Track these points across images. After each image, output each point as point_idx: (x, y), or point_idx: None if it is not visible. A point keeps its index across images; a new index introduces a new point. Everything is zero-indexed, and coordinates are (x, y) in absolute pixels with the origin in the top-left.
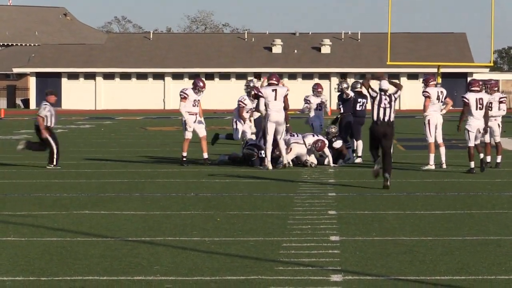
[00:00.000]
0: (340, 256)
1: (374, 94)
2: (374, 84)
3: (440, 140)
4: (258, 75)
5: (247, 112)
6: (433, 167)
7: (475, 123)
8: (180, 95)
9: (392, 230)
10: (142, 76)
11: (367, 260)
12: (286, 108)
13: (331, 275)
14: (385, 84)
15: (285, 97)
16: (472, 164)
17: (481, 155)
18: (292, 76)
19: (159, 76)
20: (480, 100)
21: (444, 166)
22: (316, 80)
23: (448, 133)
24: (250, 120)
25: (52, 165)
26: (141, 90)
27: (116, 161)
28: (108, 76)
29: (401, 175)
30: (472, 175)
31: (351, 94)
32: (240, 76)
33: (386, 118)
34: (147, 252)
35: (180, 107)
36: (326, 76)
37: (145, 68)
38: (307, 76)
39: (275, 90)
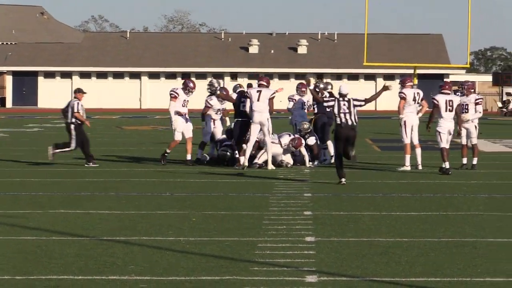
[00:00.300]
0: (315, 256)
1: (330, 101)
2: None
3: (416, 141)
4: (234, 75)
5: (216, 113)
6: (408, 168)
7: (445, 124)
8: (171, 94)
9: (368, 231)
10: (118, 75)
11: (342, 261)
12: (270, 111)
13: (306, 276)
14: (344, 89)
15: (270, 99)
16: (447, 165)
17: (464, 160)
18: (269, 76)
19: (135, 76)
20: (450, 102)
21: (420, 167)
22: (293, 81)
23: (424, 134)
24: (226, 120)
25: (91, 163)
26: (117, 89)
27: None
28: (85, 75)
29: (377, 176)
30: (447, 176)
31: (327, 94)
32: (216, 75)
33: (350, 122)
34: (122, 252)
35: (169, 107)
36: (302, 76)
37: (122, 67)
38: (283, 76)
39: (260, 91)
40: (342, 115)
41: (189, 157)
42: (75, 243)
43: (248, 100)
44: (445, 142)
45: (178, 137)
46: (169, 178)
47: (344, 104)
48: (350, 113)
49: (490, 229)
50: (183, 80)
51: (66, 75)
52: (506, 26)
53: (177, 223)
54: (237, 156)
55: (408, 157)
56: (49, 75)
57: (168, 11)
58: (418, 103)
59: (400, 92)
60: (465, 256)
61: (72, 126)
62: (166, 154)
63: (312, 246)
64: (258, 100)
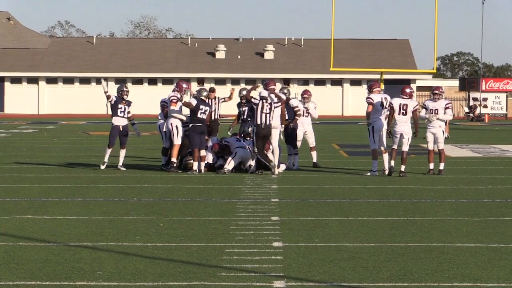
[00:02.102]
0: (283, 262)
1: (256, 102)
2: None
3: (383, 147)
4: (201, 80)
5: None
6: (376, 173)
7: (398, 128)
8: (172, 99)
9: (335, 236)
10: (85, 81)
11: (310, 266)
12: (282, 113)
13: (274, 281)
14: (264, 92)
15: (283, 104)
16: (387, 165)
17: (392, 162)
18: (235, 81)
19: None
20: (404, 106)
21: (387, 172)
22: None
23: (391, 140)
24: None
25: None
26: (84, 95)
27: (58, 166)
28: (51, 81)
29: (344, 182)
30: (414, 182)
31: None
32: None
33: (268, 122)
34: (90, 257)
35: (170, 112)
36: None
37: (88, 73)
38: (250, 82)
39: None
40: (263, 115)
41: (174, 160)
42: (42, 249)
43: (204, 107)
44: (395, 144)
45: (179, 141)
46: (136, 184)
47: (266, 106)
48: (270, 113)
49: (457, 234)
50: (176, 83)
51: (33, 80)
52: (473, 31)
53: (144, 229)
54: (191, 161)
55: (375, 162)
56: (16, 80)
57: (134, 17)
58: (385, 108)
59: (367, 98)
60: (433, 261)
61: None
62: (174, 164)
63: (279, 251)
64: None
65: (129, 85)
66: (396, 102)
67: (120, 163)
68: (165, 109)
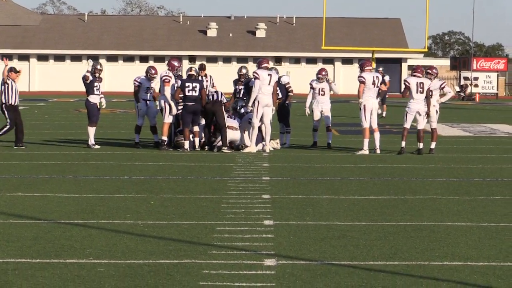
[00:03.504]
0: (273, 240)
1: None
2: None
3: (375, 125)
4: (192, 58)
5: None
6: (367, 152)
7: (414, 106)
8: (165, 79)
9: (326, 214)
10: (76, 58)
11: (301, 245)
12: (274, 92)
13: (265, 260)
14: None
15: (275, 83)
16: (403, 144)
17: (403, 143)
18: (227, 59)
19: (93, 58)
20: (421, 84)
21: (378, 151)
22: (251, 64)
23: (382, 119)
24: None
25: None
26: (75, 72)
27: (49, 143)
28: (42, 58)
29: (335, 160)
30: (405, 160)
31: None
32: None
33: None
34: (80, 235)
35: (164, 92)
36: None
37: (80, 50)
38: (242, 60)
39: (270, 75)
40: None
41: (164, 138)
42: (33, 226)
43: (258, 81)
44: (409, 123)
45: (169, 119)
46: (127, 161)
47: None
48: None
49: (448, 213)
50: (168, 62)
51: (24, 57)
52: (464, 10)
53: (135, 207)
54: (182, 140)
55: (366, 141)
56: (6, 57)
57: None
58: (377, 87)
59: (359, 76)
60: (423, 240)
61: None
62: (165, 142)
63: (270, 229)
64: (269, 83)
65: (120, 62)
66: (413, 81)
67: (93, 141)
68: (134, 88)
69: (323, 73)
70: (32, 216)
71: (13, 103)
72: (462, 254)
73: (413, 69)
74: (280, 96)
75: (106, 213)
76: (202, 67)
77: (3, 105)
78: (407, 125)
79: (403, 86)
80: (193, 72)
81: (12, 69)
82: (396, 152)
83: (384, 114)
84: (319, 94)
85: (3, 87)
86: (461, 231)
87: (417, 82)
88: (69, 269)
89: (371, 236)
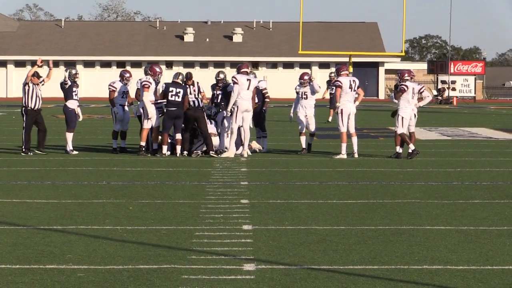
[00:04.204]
0: (252, 245)
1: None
2: None
3: (352, 130)
4: (169, 64)
5: (122, 97)
6: (345, 156)
7: (410, 111)
8: (145, 84)
9: (305, 219)
10: (53, 64)
11: (280, 249)
12: (253, 98)
13: (244, 264)
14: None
15: (254, 88)
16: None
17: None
18: (204, 64)
19: (70, 64)
20: (413, 90)
21: (356, 155)
22: (228, 69)
23: (360, 123)
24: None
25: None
26: (52, 78)
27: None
28: (20, 64)
29: (314, 164)
30: (383, 164)
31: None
32: (151, 64)
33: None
34: (59, 241)
35: (143, 97)
36: (237, 65)
37: (57, 56)
38: (218, 65)
39: (249, 80)
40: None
41: (155, 146)
42: (12, 232)
43: (237, 86)
44: (406, 127)
45: (148, 125)
46: (105, 167)
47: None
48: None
49: (427, 217)
50: (147, 69)
51: (1, 64)
52: (441, 14)
53: (114, 212)
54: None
55: (344, 145)
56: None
57: (102, 0)
58: (354, 91)
59: (336, 81)
60: (403, 244)
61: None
62: (143, 148)
63: (249, 234)
64: (248, 88)
65: (97, 68)
66: (410, 85)
67: (71, 147)
68: (110, 93)
69: (305, 77)
70: (11, 222)
71: (32, 107)
72: (442, 257)
73: (401, 73)
74: (257, 101)
75: (85, 218)
76: (188, 76)
77: (23, 108)
78: (405, 129)
79: (393, 90)
80: (179, 80)
81: (35, 74)
82: (389, 156)
83: (330, 119)
84: (302, 98)
85: (24, 89)
86: (440, 234)
87: (413, 87)
88: (49, 275)
89: (350, 241)
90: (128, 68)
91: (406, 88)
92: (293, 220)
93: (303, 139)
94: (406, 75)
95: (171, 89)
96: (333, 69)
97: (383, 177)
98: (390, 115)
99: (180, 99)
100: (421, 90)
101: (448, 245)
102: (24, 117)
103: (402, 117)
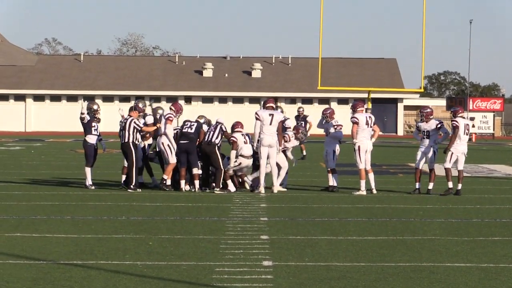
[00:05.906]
0: (273, 281)
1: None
2: None
3: (368, 166)
4: (188, 99)
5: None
6: (364, 192)
7: (460, 147)
8: (169, 117)
9: (325, 255)
10: (72, 98)
11: (300, 286)
12: (279, 132)
13: None
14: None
15: (280, 122)
16: (450, 184)
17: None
18: (223, 100)
19: (89, 99)
20: (467, 126)
21: (374, 191)
22: (247, 105)
23: (378, 159)
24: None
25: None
26: (71, 112)
27: (46, 184)
28: (39, 98)
29: (333, 200)
30: (403, 201)
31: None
32: (170, 99)
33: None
34: (80, 276)
35: (166, 130)
36: (256, 100)
37: (76, 90)
38: (237, 100)
39: (272, 115)
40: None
41: (169, 181)
42: (32, 267)
43: (258, 122)
44: (452, 163)
45: (174, 160)
46: (125, 202)
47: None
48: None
49: (447, 254)
50: (170, 104)
51: (20, 98)
52: (459, 50)
53: (134, 247)
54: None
55: (363, 182)
56: (3, 97)
57: (121, 34)
58: (371, 127)
59: (352, 117)
60: (423, 281)
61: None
62: (165, 182)
63: (269, 270)
64: (270, 124)
65: (116, 102)
66: (461, 122)
67: (90, 181)
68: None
69: (326, 112)
70: (31, 257)
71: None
72: None
73: (456, 111)
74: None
75: (105, 253)
76: (207, 123)
77: (131, 143)
78: (450, 165)
79: (448, 127)
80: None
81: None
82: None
83: (304, 152)
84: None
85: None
86: (460, 272)
87: (465, 124)
88: None
89: (370, 277)
90: (147, 102)
91: (458, 124)
92: (313, 256)
93: (329, 176)
94: (460, 111)
95: (186, 122)
96: (300, 104)
97: (402, 213)
98: (443, 152)
99: (193, 131)
100: (439, 126)
101: (468, 282)
102: (134, 151)
103: (452, 153)
